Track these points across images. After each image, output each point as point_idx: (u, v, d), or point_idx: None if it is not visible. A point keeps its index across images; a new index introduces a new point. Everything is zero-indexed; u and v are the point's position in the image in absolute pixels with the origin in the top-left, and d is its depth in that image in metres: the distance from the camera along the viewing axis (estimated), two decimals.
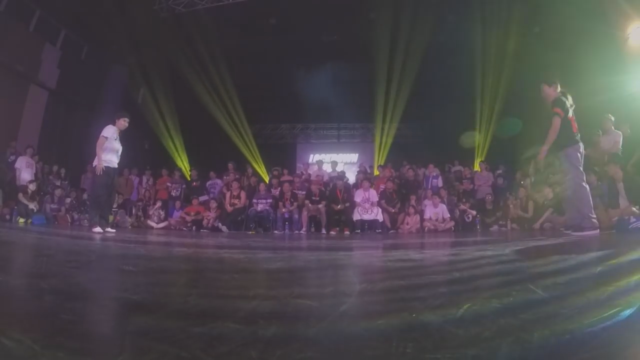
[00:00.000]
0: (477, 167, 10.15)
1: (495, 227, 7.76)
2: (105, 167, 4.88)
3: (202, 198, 8.66)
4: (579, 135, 4.09)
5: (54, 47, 9.88)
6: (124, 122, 5.14)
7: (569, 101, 4.12)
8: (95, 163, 4.92)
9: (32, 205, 7.57)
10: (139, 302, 0.92)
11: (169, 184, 9.11)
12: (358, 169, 10.30)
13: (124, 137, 5.27)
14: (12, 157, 8.24)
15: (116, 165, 5.09)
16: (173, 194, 8.96)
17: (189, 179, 9.99)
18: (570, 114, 4.07)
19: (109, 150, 4.96)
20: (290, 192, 7.92)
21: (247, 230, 7.54)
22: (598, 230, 3.95)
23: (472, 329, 0.68)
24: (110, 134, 4.96)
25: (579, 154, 4.00)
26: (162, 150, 12.08)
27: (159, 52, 10.98)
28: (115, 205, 8.43)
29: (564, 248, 2.90)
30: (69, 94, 10.17)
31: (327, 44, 10.92)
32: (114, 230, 5.15)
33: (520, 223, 7.37)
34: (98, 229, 4.74)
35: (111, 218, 8.17)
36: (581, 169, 4.03)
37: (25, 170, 7.90)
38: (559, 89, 4.22)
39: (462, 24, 10.00)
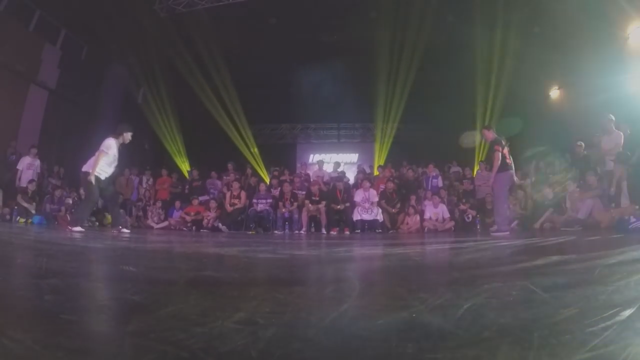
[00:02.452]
0: (477, 168, 10.14)
1: (495, 227, 7.75)
2: (97, 176, 4.86)
3: (202, 198, 8.68)
4: (512, 165, 5.60)
5: (54, 47, 9.88)
6: (128, 137, 5.13)
7: (504, 141, 5.64)
8: (87, 169, 4.90)
9: (31, 208, 7.56)
10: (139, 302, 0.92)
11: (172, 188, 9.24)
12: (356, 170, 10.29)
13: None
14: (12, 157, 8.23)
15: (104, 177, 5.02)
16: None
17: (187, 177, 10.05)
18: (505, 149, 5.54)
19: (105, 162, 4.94)
20: (290, 192, 7.92)
21: (247, 230, 7.54)
22: (508, 233, 5.31)
23: (472, 329, 0.68)
24: (109, 148, 4.94)
25: (506, 178, 5.55)
26: (162, 150, 12.09)
27: (159, 52, 10.97)
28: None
29: (564, 248, 2.90)
30: (69, 94, 10.18)
31: (327, 44, 10.91)
32: (128, 231, 5.18)
33: (520, 223, 7.37)
34: (79, 228, 4.74)
35: (109, 218, 8.20)
36: (507, 189, 5.76)
37: (26, 172, 7.90)
38: (494, 132, 5.76)
39: (462, 24, 10.00)
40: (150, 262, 2.07)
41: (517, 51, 9.92)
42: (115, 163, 5.11)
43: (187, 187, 9.35)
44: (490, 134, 5.76)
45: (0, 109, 8.33)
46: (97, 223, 7.94)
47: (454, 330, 0.67)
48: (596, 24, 7.86)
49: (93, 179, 4.82)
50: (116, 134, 5.07)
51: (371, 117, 12.50)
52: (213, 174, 9.40)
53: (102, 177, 4.96)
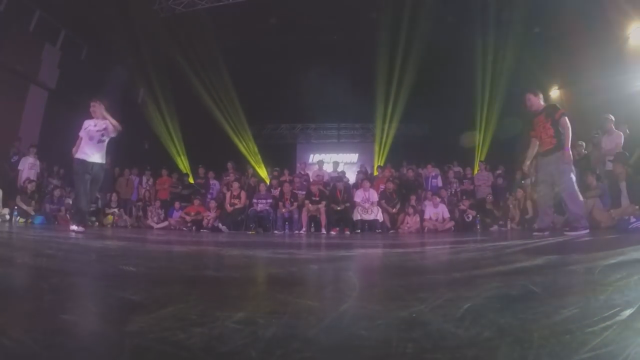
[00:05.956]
0: (476, 170, 10.15)
1: (495, 227, 7.76)
2: (79, 159, 4.63)
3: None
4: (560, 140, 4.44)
5: (54, 47, 9.88)
6: (93, 110, 4.89)
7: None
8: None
9: (30, 210, 7.54)
10: (139, 302, 0.92)
11: (172, 188, 9.32)
12: (358, 170, 10.30)
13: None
14: (15, 158, 8.24)
15: (91, 159, 4.67)
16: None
17: (191, 179, 10.09)
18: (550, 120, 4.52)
19: (84, 143, 4.73)
20: (290, 192, 7.92)
21: (247, 230, 7.54)
22: (588, 231, 4.20)
23: (472, 329, 0.68)
24: (83, 129, 4.79)
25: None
26: (162, 150, 12.09)
27: (159, 52, 10.98)
28: (115, 205, 8.45)
29: (564, 248, 2.90)
30: (69, 94, 10.17)
31: (327, 44, 10.91)
32: (82, 229, 4.58)
33: (521, 223, 7.36)
34: (80, 228, 4.52)
35: (110, 218, 8.19)
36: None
37: (27, 172, 7.90)
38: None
39: (462, 24, 10.00)
40: (150, 261, 2.07)
41: (517, 51, 9.92)
42: (96, 140, 4.77)
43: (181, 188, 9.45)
44: (536, 101, 4.77)
45: (0, 109, 8.33)
46: (97, 223, 7.94)
47: (454, 330, 0.67)
48: (596, 24, 7.86)
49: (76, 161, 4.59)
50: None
51: (371, 117, 12.51)
52: (211, 174, 9.45)
53: (88, 160, 4.66)
